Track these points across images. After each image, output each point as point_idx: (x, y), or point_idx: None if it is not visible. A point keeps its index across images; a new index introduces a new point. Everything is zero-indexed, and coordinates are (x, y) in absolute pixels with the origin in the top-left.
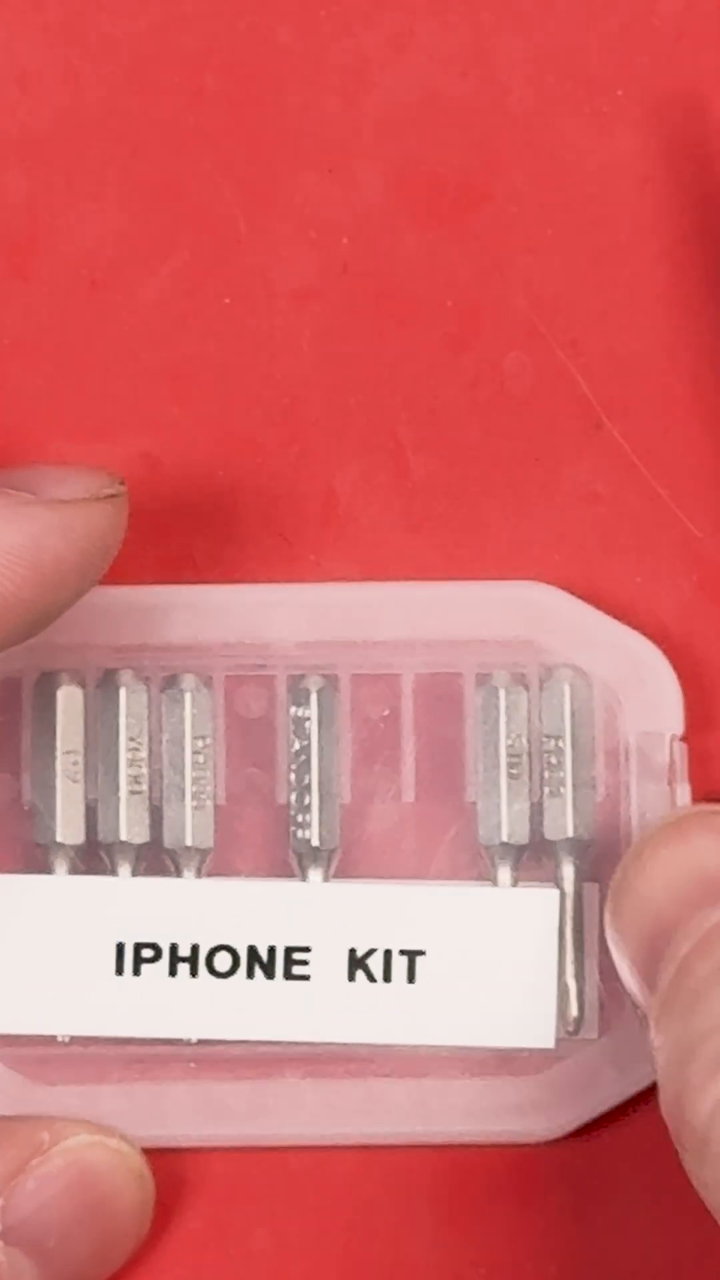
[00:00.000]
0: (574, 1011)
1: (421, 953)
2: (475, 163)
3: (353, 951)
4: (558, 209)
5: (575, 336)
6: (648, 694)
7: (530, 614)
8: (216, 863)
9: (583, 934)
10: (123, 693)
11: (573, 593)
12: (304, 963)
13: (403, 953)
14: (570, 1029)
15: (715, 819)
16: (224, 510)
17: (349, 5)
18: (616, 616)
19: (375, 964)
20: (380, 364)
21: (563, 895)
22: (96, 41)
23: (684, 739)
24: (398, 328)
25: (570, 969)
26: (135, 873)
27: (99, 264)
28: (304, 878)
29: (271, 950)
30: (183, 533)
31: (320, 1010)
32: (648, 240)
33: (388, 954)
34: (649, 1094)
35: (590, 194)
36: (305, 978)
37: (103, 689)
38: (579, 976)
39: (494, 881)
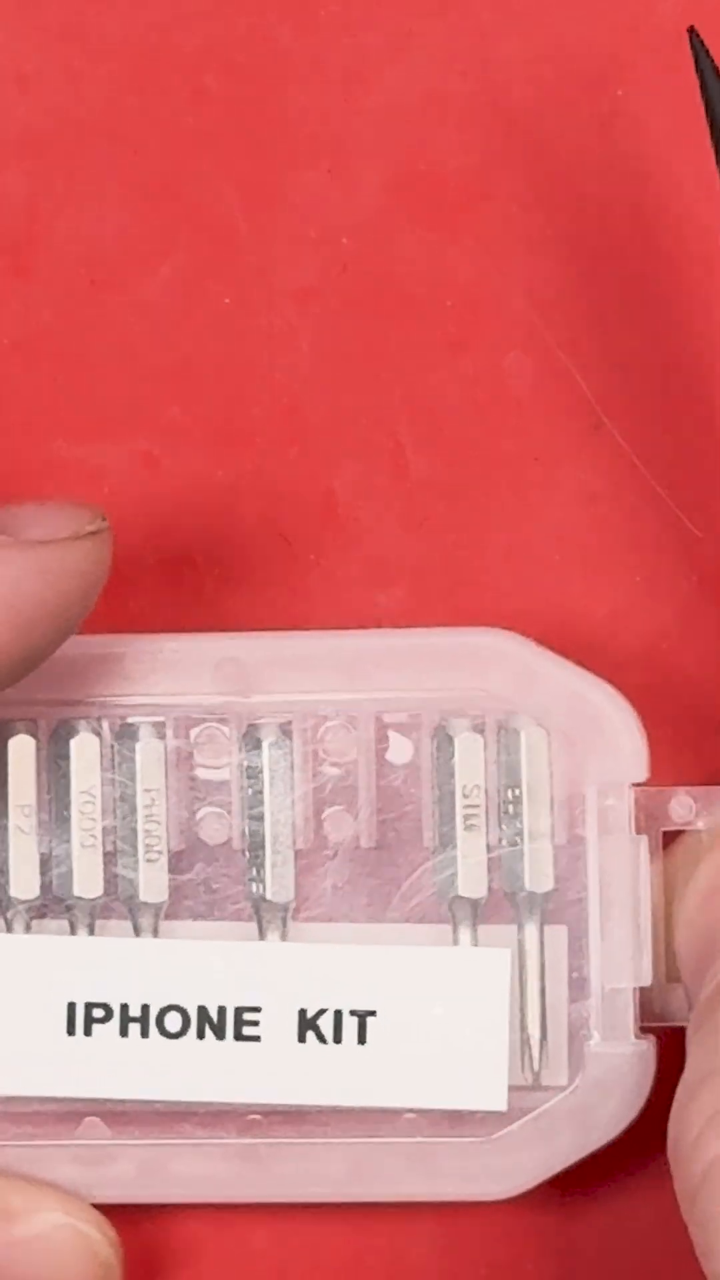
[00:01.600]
0: (535, 1064)
1: (372, 1013)
2: (475, 163)
3: (303, 1012)
4: (558, 209)
5: (575, 336)
6: (607, 741)
7: (489, 662)
8: (172, 913)
9: (544, 982)
10: (74, 743)
11: (565, 605)
12: (254, 1023)
13: (353, 1013)
14: (531, 1081)
15: None
16: (224, 510)
17: (349, 5)
18: (614, 625)
19: (326, 1024)
20: (380, 364)
21: (522, 946)
22: (96, 41)
23: (646, 784)
24: (398, 328)
25: (534, 1019)
26: (91, 927)
27: (99, 264)
28: (260, 929)
29: (221, 1010)
30: (183, 533)
31: (270, 1071)
32: (648, 240)
33: (338, 1014)
34: (612, 1149)
35: (590, 194)
36: (256, 1038)
37: (54, 740)
38: (542, 1027)
39: (453, 932)
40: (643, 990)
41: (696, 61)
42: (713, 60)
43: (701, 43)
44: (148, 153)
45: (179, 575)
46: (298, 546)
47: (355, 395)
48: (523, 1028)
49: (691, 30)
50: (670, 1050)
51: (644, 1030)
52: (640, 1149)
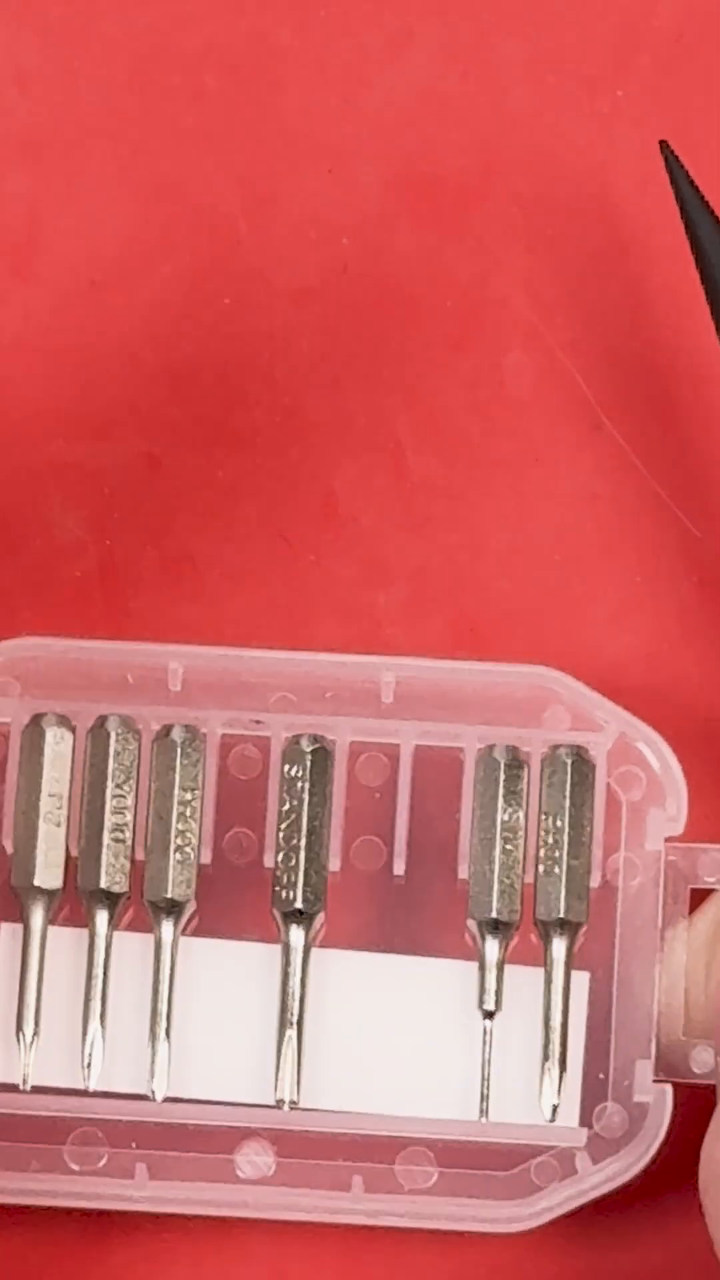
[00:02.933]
0: (553, 1099)
1: (433, 1029)
2: (475, 163)
3: (358, 1024)
4: (558, 209)
5: (575, 336)
6: (650, 788)
7: (537, 697)
8: (198, 921)
9: (567, 1019)
10: (112, 739)
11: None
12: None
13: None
14: (550, 1118)
15: None
16: (224, 510)
17: (349, 5)
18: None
19: (384, 1039)
20: (380, 364)
21: (548, 984)
22: (96, 41)
23: (680, 839)
24: (398, 328)
25: (555, 1057)
26: (113, 924)
27: (99, 264)
28: (285, 938)
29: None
30: (183, 533)
31: (336, 1081)
32: (648, 240)
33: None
34: (628, 1187)
35: (590, 194)
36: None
37: (93, 735)
38: (562, 1064)
39: (480, 958)
40: (664, 1042)
41: (670, 174)
42: (686, 171)
43: (674, 156)
44: (148, 153)
45: (179, 575)
46: (298, 546)
47: (355, 395)
48: (544, 1066)
49: (663, 144)
50: (688, 1097)
51: (660, 1081)
52: (654, 1191)
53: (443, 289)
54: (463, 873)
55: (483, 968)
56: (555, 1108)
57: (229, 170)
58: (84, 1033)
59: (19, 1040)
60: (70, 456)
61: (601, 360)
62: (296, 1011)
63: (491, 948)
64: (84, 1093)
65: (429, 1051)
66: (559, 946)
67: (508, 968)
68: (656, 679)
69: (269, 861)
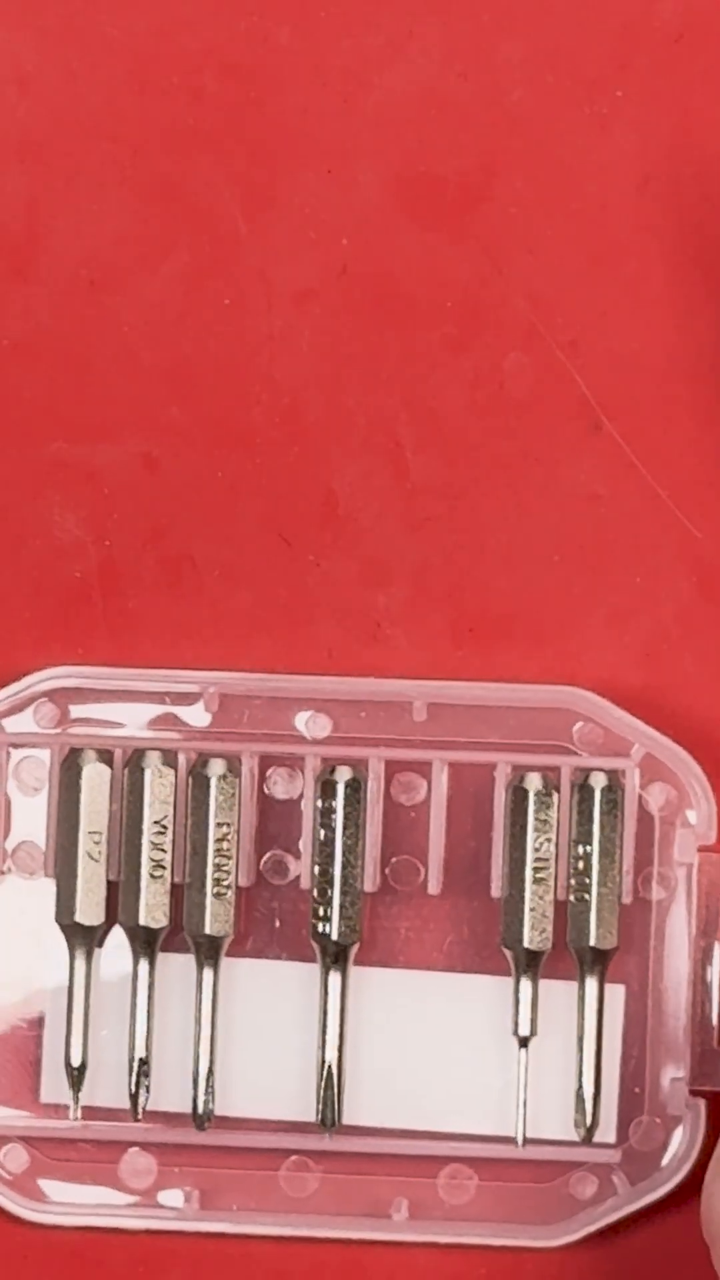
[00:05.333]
0: (588, 1119)
1: (477, 1045)
2: (475, 163)
3: (400, 1037)
4: (558, 209)
5: (575, 336)
6: (679, 801)
7: (568, 719)
8: (237, 946)
9: (601, 1040)
10: (148, 774)
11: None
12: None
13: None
14: (583, 1136)
15: None
16: (224, 510)
17: (349, 5)
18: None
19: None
20: (380, 364)
21: (582, 1002)
22: (96, 41)
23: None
24: (398, 328)
25: (590, 1074)
26: (153, 955)
27: (99, 264)
28: (324, 967)
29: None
30: (183, 533)
31: (371, 1095)
32: (648, 240)
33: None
34: (664, 1201)
35: (590, 194)
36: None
37: (129, 769)
38: (596, 1082)
39: (514, 984)
40: (700, 1054)
41: None
42: None
43: None
44: (148, 153)
45: (179, 575)
46: (298, 546)
47: (355, 395)
48: (579, 1083)
49: None
50: None
51: (695, 1094)
52: (690, 1204)
53: (443, 289)
54: (496, 891)
55: (517, 995)
56: (589, 1132)
57: (229, 170)
58: (130, 1068)
59: (68, 1074)
60: (70, 456)
61: (601, 360)
62: (336, 1038)
63: (524, 976)
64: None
65: (467, 1067)
66: (591, 974)
67: (545, 984)
68: (656, 679)
69: (306, 884)
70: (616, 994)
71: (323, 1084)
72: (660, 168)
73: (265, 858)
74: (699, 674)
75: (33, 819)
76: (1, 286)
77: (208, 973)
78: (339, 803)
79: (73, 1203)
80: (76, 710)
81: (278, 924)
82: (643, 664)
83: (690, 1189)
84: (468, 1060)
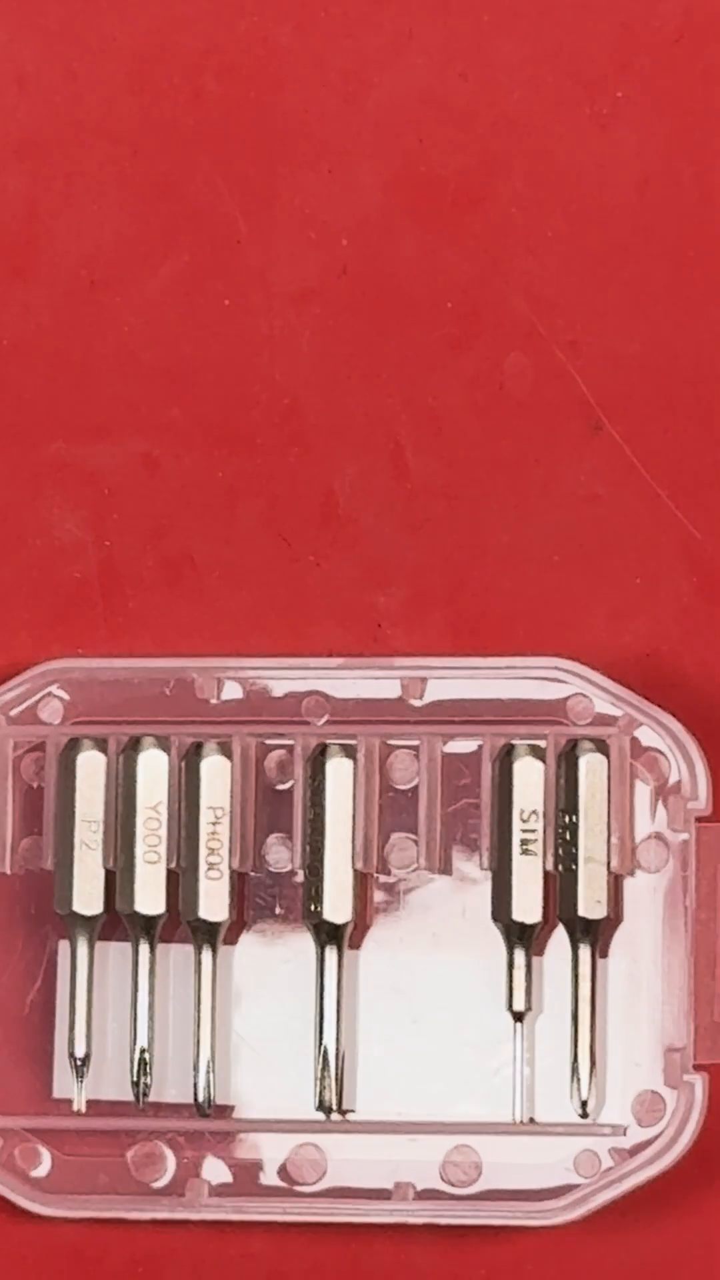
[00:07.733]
0: (584, 1094)
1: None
2: (475, 163)
3: (410, 1017)
4: (558, 209)
5: (575, 337)
6: (670, 772)
7: (553, 689)
8: (233, 930)
9: (594, 1015)
10: (142, 760)
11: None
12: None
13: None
14: (580, 1111)
15: None
16: (224, 510)
17: (349, 5)
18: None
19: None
20: (380, 364)
21: (575, 975)
22: (96, 41)
23: (710, 819)
24: (398, 328)
25: (585, 1049)
26: (152, 943)
27: (99, 264)
28: (319, 951)
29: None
30: (183, 533)
31: (380, 1075)
32: (648, 240)
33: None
34: (668, 1174)
35: (590, 194)
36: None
37: (124, 756)
38: (592, 1057)
39: (508, 957)
40: (700, 1027)
41: None
42: None
43: None
44: (148, 153)
45: (179, 575)
46: (298, 546)
47: (355, 395)
48: (573, 1057)
49: None
50: None
51: (698, 1068)
52: (694, 1177)
53: (443, 289)
54: (483, 864)
55: (510, 969)
56: (585, 1105)
57: (229, 170)
58: (131, 1057)
59: (70, 1065)
60: (70, 456)
61: (601, 360)
62: (334, 1022)
63: (516, 949)
64: (139, 1106)
65: (468, 1047)
66: (583, 944)
67: (548, 962)
68: (656, 680)
69: (299, 866)
70: (617, 968)
71: (320, 1067)
72: (660, 168)
73: (265, 842)
74: (699, 674)
75: (35, 812)
76: (1, 286)
77: (206, 958)
78: (326, 781)
79: (81, 1195)
80: (77, 703)
81: (279, 911)
82: (642, 664)
83: (693, 1162)
84: (470, 1040)
